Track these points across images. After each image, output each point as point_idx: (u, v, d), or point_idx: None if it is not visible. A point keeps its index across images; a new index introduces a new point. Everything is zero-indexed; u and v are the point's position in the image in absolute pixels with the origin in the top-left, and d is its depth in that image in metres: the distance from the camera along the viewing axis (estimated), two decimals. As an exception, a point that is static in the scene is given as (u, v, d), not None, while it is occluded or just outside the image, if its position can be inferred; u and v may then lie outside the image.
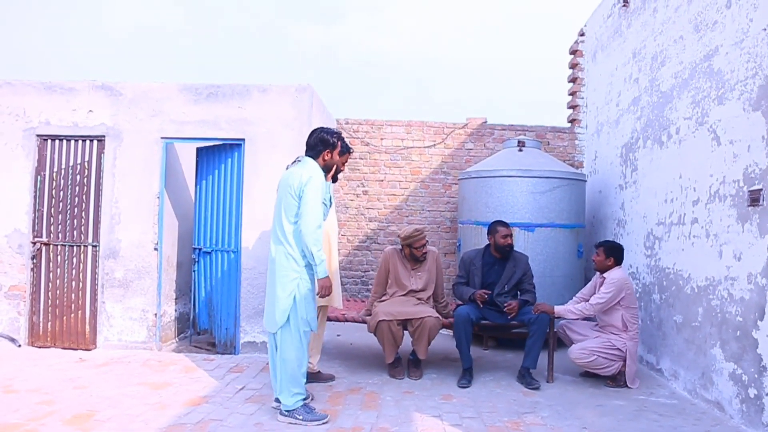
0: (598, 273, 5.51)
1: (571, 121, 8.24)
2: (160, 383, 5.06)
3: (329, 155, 4.49)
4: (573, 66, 8.20)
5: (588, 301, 5.35)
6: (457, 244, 7.26)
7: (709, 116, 4.85)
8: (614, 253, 5.41)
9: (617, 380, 5.18)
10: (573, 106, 8.20)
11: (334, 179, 4.81)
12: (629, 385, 5.22)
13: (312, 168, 4.35)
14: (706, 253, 4.83)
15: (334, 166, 4.60)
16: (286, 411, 4.26)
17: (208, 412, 4.36)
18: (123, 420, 4.16)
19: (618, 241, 6.61)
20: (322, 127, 4.58)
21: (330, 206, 4.74)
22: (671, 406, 4.77)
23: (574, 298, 5.68)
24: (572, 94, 8.22)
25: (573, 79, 8.19)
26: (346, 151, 4.75)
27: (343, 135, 7.97)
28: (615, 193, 6.79)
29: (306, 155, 4.50)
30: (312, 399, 4.66)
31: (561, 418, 4.42)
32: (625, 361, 5.17)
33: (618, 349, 5.17)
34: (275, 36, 33.90)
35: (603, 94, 7.32)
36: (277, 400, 4.42)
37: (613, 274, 5.31)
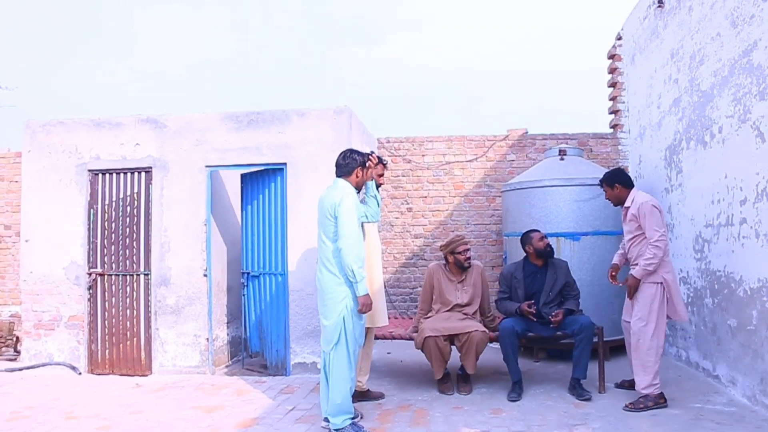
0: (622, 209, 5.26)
1: (613, 126, 8.11)
2: (212, 406, 5.16)
3: (362, 172, 4.56)
4: (612, 71, 8.09)
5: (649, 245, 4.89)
6: (504, 256, 7.21)
7: (751, 113, 4.73)
8: (616, 178, 5.17)
9: (635, 403, 4.81)
10: (614, 111, 8.08)
11: (377, 186, 4.89)
12: (678, 318, 4.97)
13: (343, 188, 4.45)
14: (757, 254, 4.68)
15: (371, 180, 4.68)
16: (335, 430, 4.30)
17: (258, 434, 4.43)
18: (177, 443, 4.27)
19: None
20: (351, 148, 4.68)
21: (378, 207, 4.80)
22: (729, 414, 4.60)
23: (620, 250, 5.37)
24: (613, 99, 8.10)
25: (613, 84, 8.07)
26: (378, 162, 4.82)
27: (382, 153, 8.10)
28: (661, 197, 6.64)
29: (337, 176, 4.58)
30: (361, 418, 4.69)
31: (613, 430, 4.32)
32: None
33: (656, 282, 4.89)
34: (319, 60, 34.48)
35: (643, 97, 7.20)
36: (326, 420, 4.47)
37: (637, 199, 5.02)
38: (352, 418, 4.40)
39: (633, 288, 5.02)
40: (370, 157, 4.67)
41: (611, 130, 8.17)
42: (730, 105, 5.05)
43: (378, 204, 4.81)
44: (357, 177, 4.56)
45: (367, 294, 4.37)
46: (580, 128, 8.10)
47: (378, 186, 4.87)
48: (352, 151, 4.62)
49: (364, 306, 4.35)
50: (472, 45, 34.61)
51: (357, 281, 4.30)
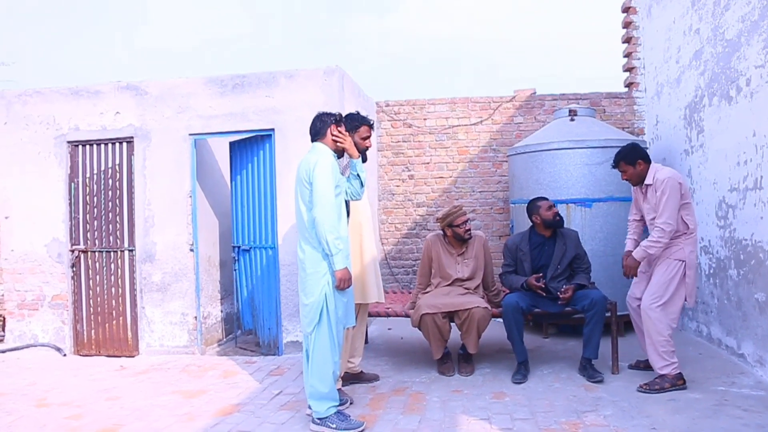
0: (635, 188, 4.77)
1: (628, 85, 7.53)
2: (194, 391, 4.81)
3: (336, 129, 4.09)
4: (626, 25, 7.47)
5: (654, 225, 4.49)
6: (510, 225, 6.75)
7: (784, 62, 4.20)
8: (635, 155, 4.60)
9: (651, 384, 4.41)
10: (629, 69, 7.49)
11: (363, 158, 4.40)
12: (688, 303, 4.53)
13: (319, 151, 4.01)
14: (790, 220, 4.20)
15: (358, 158, 4.23)
16: (318, 419, 3.91)
17: (237, 423, 4.06)
18: (146, 435, 3.92)
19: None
20: (324, 111, 4.22)
21: (362, 187, 4.35)
22: (758, 399, 4.14)
23: (630, 234, 4.90)
24: (627, 55, 7.49)
25: (627, 39, 7.46)
26: (362, 123, 4.34)
27: (381, 118, 7.63)
28: (680, 160, 6.12)
29: (312, 142, 4.14)
30: (350, 404, 4.31)
31: (626, 417, 3.89)
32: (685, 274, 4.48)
33: (679, 260, 4.46)
34: (333, 30, 33.76)
35: (661, 52, 6.63)
36: (311, 407, 4.10)
37: (659, 175, 4.50)
38: (338, 405, 4.00)
39: (631, 269, 4.64)
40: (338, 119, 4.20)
41: (626, 89, 7.60)
42: (761, 53, 4.51)
43: (362, 184, 4.34)
44: (333, 135, 4.09)
45: (345, 268, 3.92)
46: (593, 88, 7.55)
47: (365, 150, 4.39)
48: (322, 113, 4.17)
49: (341, 281, 3.89)
50: (484, 12, 33.66)
51: (332, 254, 3.85)
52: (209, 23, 33.96)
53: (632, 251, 4.68)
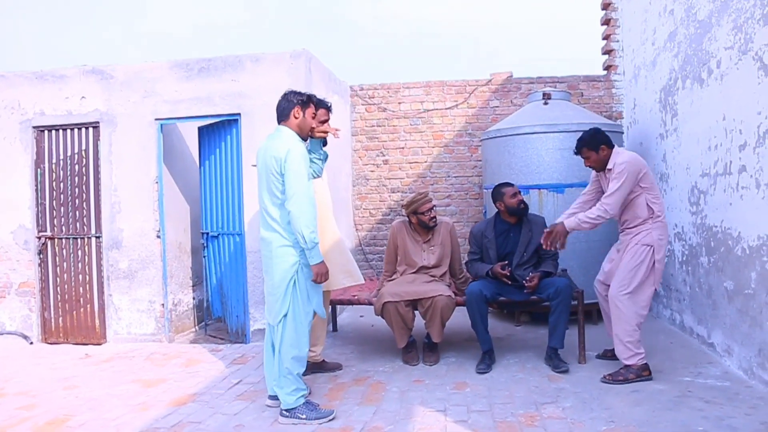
0: (599, 174, 4.59)
1: (607, 67, 7.37)
2: (154, 380, 4.73)
3: (300, 112, 3.92)
4: (606, 6, 7.31)
5: (601, 203, 4.35)
6: (484, 211, 6.64)
7: (753, 41, 4.06)
8: (598, 140, 4.44)
9: (615, 375, 4.29)
10: (608, 51, 7.32)
11: (324, 142, 4.28)
12: (655, 288, 4.40)
13: (287, 137, 3.83)
14: (758, 207, 4.08)
15: (309, 126, 4.08)
16: (286, 411, 3.79)
17: (189, 413, 3.98)
18: (96, 425, 3.84)
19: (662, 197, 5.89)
20: (292, 90, 4.06)
21: (322, 167, 4.23)
22: (721, 390, 4.02)
23: (574, 206, 4.72)
24: (606, 37, 7.32)
25: (606, 21, 7.29)
26: (320, 106, 4.20)
27: (355, 102, 7.48)
28: (656, 144, 6.00)
29: (279, 125, 4.00)
30: (309, 394, 4.20)
31: (585, 409, 3.80)
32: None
33: (647, 245, 4.33)
34: (329, 14, 33.37)
35: (638, 34, 6.48)
36: (272, 398, 4.01)
37: (619, 159, 4.35)
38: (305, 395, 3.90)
39: (557, 236, 4.40)
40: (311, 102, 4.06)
41: (604, 72, 7.45)
42: (730, 34, 4.38)
43: (323, 161, 4.22)
44: (296, 118, 3.91)
45: (322, 262, 3.81)
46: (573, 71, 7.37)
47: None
48: (288, 92, 4.00)
49: (318, 276, 3.79)
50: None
51: (309, 248, 3.73)
52: (204, 9, 33.54)
53: (563, 222, 4.46)
